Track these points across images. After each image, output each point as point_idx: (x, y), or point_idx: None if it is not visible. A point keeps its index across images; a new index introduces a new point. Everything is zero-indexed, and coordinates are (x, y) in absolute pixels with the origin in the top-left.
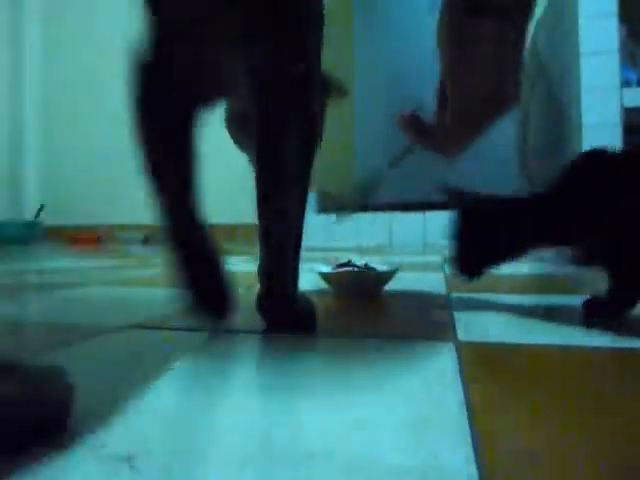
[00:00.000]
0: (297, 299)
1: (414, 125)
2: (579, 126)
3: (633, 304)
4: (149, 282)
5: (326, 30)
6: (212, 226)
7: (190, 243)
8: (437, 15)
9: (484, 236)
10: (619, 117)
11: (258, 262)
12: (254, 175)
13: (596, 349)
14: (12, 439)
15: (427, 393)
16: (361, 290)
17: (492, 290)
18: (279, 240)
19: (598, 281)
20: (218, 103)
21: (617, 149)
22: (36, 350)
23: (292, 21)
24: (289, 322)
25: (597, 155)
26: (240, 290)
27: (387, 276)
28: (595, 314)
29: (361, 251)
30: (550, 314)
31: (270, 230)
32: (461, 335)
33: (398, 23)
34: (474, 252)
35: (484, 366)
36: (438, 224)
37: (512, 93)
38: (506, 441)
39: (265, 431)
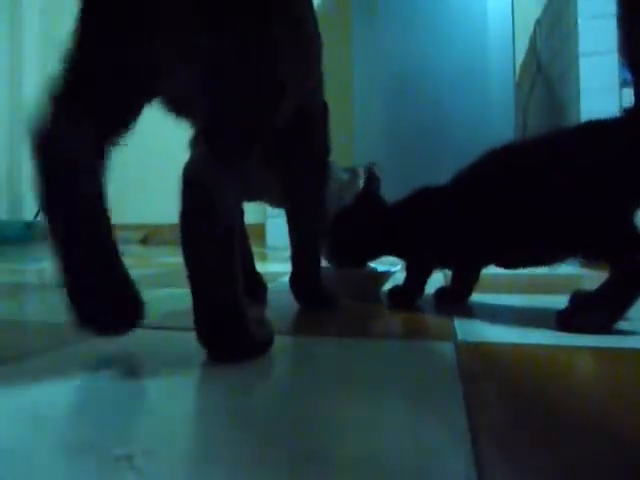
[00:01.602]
0: (321, 283)
1: None
2: None
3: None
4: (148, 282)
5: (325, 29)
6: None
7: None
8: None
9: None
10: None
11: (290, 255)
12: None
13: (589, 349)
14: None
15: (427, 393)
16: (360, 290)
17: (492, 290)
18: (306, 243)
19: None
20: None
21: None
22: (36, 350)
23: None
24: (317, 300)
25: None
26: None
27: (385, 276)
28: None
29: None
30: (548, 314)
31: (300, 237)
32: (461, 335)
33: (397, 21)
34: (338, 250)
35: (484, 366)
36: None
37: None
38: (505, 441)
39: (265, 430)
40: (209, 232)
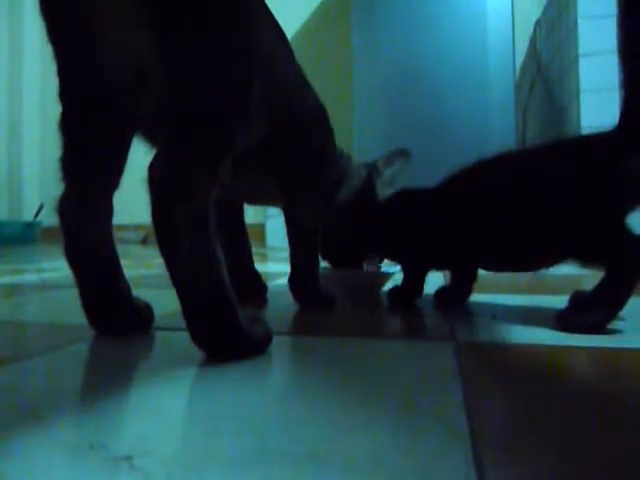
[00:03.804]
0: (319, 284)
1: None
2: (578, 127)
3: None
4: (148, 282)
5: (325, 29)
6: None
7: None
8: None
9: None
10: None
11: (289, 256)
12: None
13: (588, 348)
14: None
15: (427, 393)
16: (360, 290)
17: (492, 290)
18: (304, 242)
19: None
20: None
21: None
22: (36, 350)
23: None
24: (316, 300)
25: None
26: None
27: (385, 276)
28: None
29: None
30: (548, 314)
31: (298, 236)
32: (461, 335)
33: (397, 21)
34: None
35: (483, 366)
36: None
37: None
38: (505, 441)
39: (265, 431)
40: (177, 227)
